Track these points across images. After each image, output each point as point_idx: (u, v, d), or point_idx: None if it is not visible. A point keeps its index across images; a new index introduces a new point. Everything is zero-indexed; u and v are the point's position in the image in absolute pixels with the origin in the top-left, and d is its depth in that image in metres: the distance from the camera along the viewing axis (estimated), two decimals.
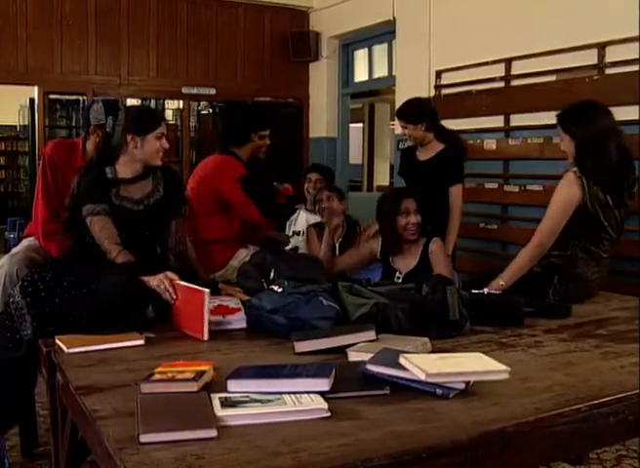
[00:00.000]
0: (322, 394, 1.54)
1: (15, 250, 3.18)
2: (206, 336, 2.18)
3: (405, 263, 3.25)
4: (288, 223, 4.44)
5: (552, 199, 2.87)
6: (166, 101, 6.96)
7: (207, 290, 2.23)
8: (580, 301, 2.79)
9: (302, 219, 4.39)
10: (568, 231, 2.84)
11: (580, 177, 2.81)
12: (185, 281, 2.40)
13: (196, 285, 2.36)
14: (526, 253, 2.85)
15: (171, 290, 2.35)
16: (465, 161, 3.96)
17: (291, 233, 4.33)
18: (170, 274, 2.40)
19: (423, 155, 3.91)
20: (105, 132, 2.73)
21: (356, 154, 10.53)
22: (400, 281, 3.15)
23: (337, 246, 3.98)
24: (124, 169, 2.67)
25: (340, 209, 3.96)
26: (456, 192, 3.84)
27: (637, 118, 3.95)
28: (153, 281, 2.39)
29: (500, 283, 2.78)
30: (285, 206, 3.87)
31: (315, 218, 4.26)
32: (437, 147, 3.86)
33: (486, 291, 2.66)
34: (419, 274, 3.03)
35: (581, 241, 2.86)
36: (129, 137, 2.62)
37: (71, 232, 2.67)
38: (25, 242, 3.20)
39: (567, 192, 2.82)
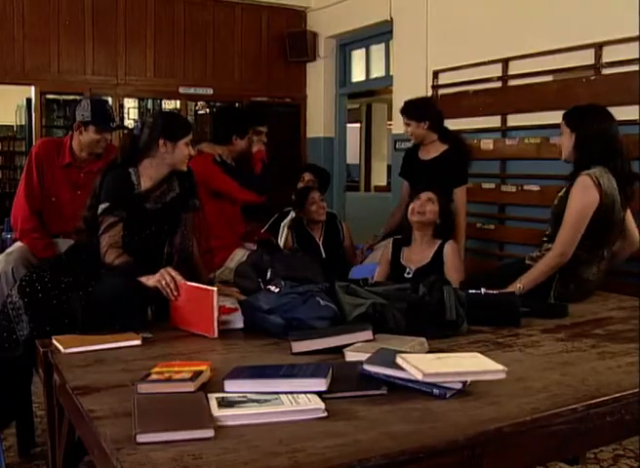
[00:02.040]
0: (319, 394, 1.54)
1: (9, 249, 3.20)
2: (216, 334, 2.20)
3: (416, 260, 3.29)
4: (282, 225, 4.44)
5: (570, 205, 2.83)
6: (163, 102, 6.95)
7: (215, 288, 2.27)
8: (578, 301, 2.80)
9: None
10: None
11: (596, 178, 2.79)
12: (186, 280, 2.41)
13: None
14: (549, 260, 2.84)
15: (172, 285, 2.35)
16: (470, 163, 3.95)
17: (282, 236, 4.34)
18: (170, 270, 2.39)
19: (426, 155, 3.89)
20: (132, 133, 2.71)
21: (353, 154, 10.54)
22: (410, 276, 3.18)
23: (320, 244, 3.98)
24: (148, 171, 2.64)
25: (326, 208, 4.06)
26: (460, 194, 3.83)
27: (636, 118, 3.95)
28: (153, 278, 2.39)
29: (519, 286, 2.78)
30: (265, 175, 3.84)
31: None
32: (440, 148, 3.84)
33: (483, 291, 2.66)
34: (430, 271, 3.05)
35: (588, 243, 2.84)
36: (161, 142, 2.60)
37: (88, 230, 2.65)
38: (20, 242, 3.21)
39: (585, 198, 2.79)
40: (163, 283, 2.35)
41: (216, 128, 3.82)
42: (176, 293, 2.35)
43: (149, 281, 2.39)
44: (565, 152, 2.98)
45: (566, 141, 2.97)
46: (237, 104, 7.08)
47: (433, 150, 3.86)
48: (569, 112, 3.02)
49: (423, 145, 3.89)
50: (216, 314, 2.21)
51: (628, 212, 3.03)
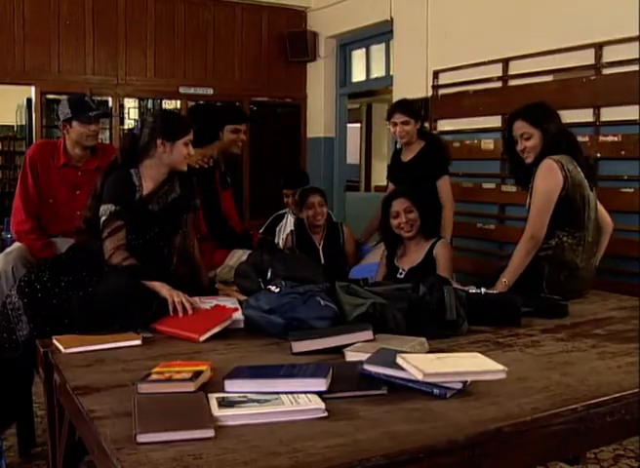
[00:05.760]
0: (319, 394, 1.54)
1: (8, 249, 3.21)
2: (202, 339, 2.17)
3: (409, 260, 3.31)
4: (277, 229, 4.44)
5: (535, 190, 2.89)
6: (163, 101, 6.95)
7: (239, 309, 2.35)
8: (573, 292, 2.82)
9: (291, 225, 4.39)
10: (551, 220, 2.87)
11: (559, 162, 2.83)
12: (185, 280, 2.41)
13: (198, 286, 2.38)
14: (521, 247, 2.88)
15: (187, 306, 2.36)
16: (449, 159, 3.97)
17: (281, 239, 4.33)
18: (187, 297, 2.41)
19: (406, 156, 3.95)
20: (132, 133, 2.70)
21: (354, 154, 10.54)
22: (402, 277, 3.19)
23: (320, 249, 3.96)
24: (149, 172, 2.64)
25: (325, 212, 3.99)
26: (443, 184, 3.83)
27: (636, 118, 3.95)
28: (164, 290, 2.40)
29: (504, 281, 2.82)
30: (242, 238, 3.60)
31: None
32: (418, 146, 3.90)
33: (483, 290, 2.66)
34: (422, 271, 3.07)
35: (566, 228, 2.89)
36: (159, 142, 2.59)
37: (89, 230, 2.64)
38: (19, 242, 3.22)
39: (550, 180, 2.85)
40: (176, 299, 2.36)
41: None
42: (186, 313, 2.35)
43: (163, 289, 2.40)
44: (535, 153, 2.95)
45: (535, 143, 2.95)
46: (237, 104, 7.10)
47: (412, 150, 3.92)
48: (528, 112, 2.99)
49: (408, 146, 3.94)
50: (218, 328, 2.23)
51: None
